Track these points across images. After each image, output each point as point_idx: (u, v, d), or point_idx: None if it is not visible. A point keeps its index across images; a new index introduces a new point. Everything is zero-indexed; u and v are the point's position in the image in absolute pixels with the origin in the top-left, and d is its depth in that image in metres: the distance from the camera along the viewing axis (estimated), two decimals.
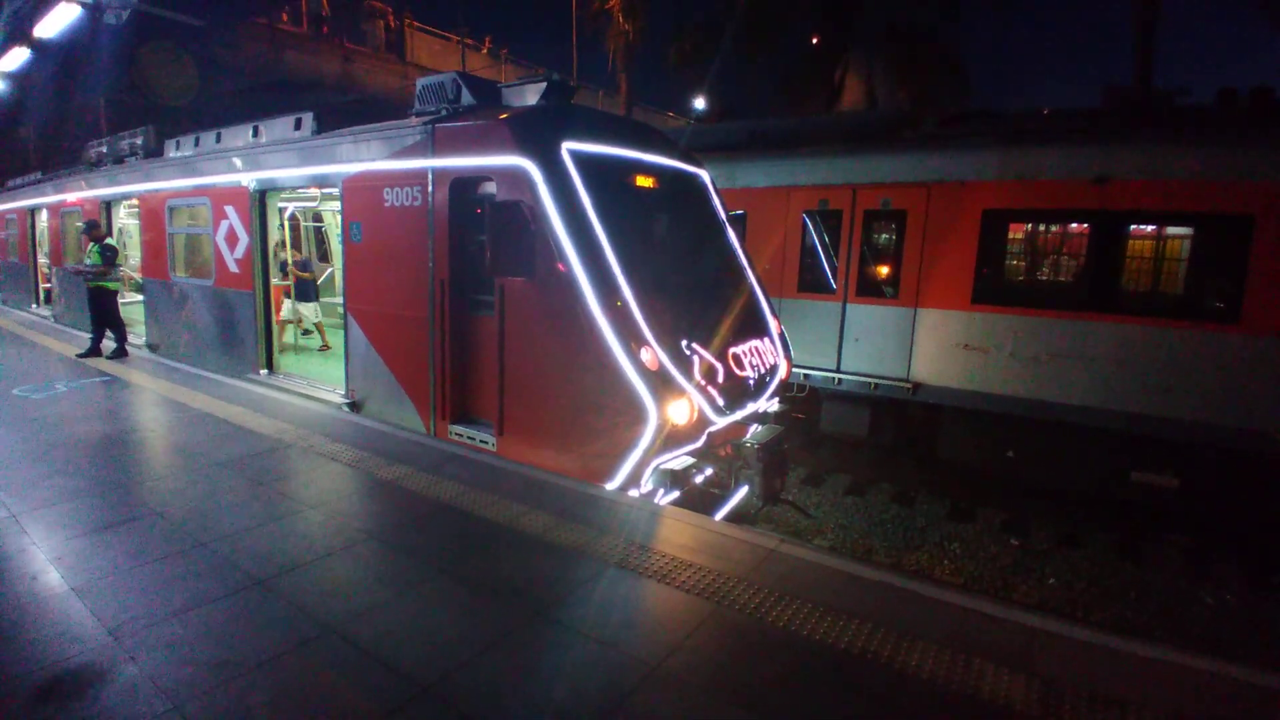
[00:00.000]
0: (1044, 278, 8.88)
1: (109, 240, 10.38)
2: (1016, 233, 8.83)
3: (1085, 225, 8.31)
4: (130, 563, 4.03)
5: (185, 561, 4.07)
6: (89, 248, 10.11)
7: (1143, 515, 8.36)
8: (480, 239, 6.19)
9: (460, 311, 6.64)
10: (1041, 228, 8.76)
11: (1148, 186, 7.77)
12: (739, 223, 10.47)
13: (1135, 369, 7.90)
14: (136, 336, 11.69)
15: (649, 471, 5.61)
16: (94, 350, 10.28)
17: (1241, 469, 7.67)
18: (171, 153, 11.02)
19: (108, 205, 12.62)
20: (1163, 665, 3.23)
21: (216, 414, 7.32)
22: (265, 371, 9.18)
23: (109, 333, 10.37)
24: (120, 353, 10.37)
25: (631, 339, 5.45)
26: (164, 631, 3.34)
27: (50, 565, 3.99)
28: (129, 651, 3.17)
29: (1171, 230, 8.02)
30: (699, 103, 32.60)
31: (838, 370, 9.97)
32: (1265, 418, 7.31)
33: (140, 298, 12.49)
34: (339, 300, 8.06)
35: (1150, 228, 8.12)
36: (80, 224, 11.00)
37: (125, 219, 14.63)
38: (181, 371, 9.55)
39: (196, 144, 10.45)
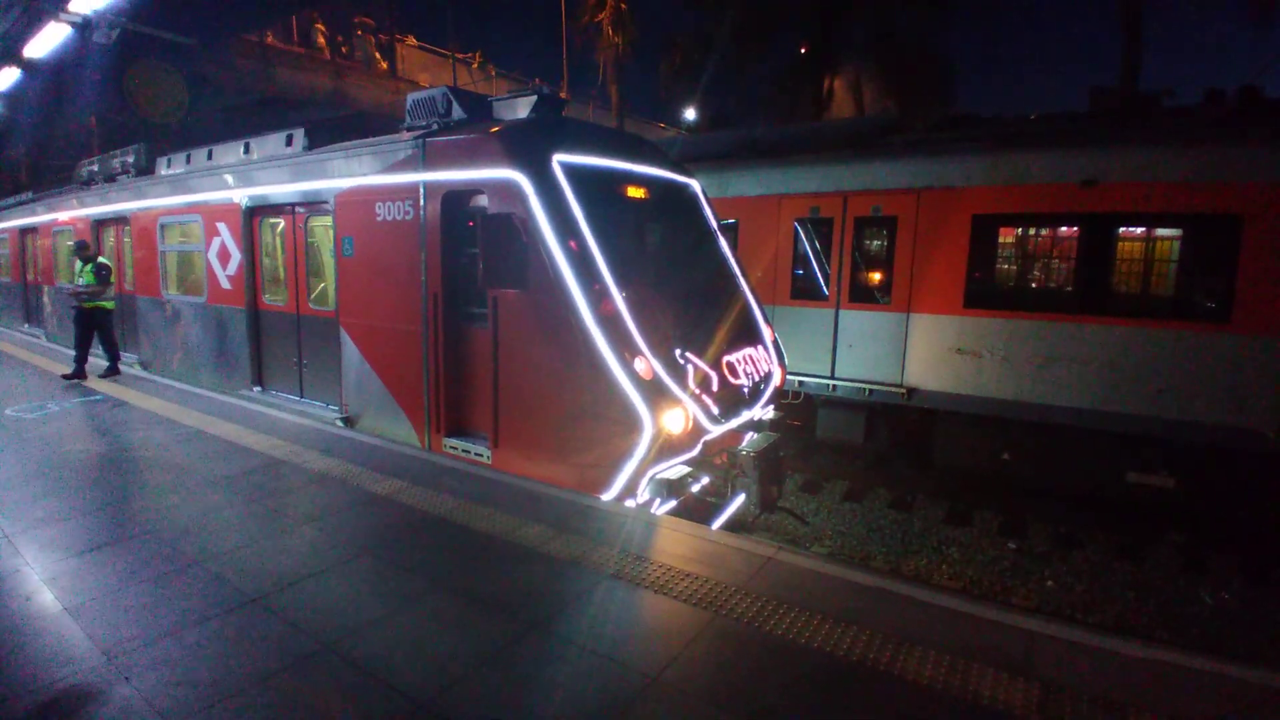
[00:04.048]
0: (1035, 281, 8.92)
1: (101, 259, 10.30)
2: (1007, 237, 8.87)
3: (1075, 228, 8.36)
4: (124, 582, 4.01)
5: (179, 580, 4.04)
6: (81, 268, 9.99)
7: (1140, 516, 8.38)
8: (473, 252, 6.21)
9: (454, 324, 6.64)
10: (1031, 231, 8.81)
11: (1136, 188, 7.82)
12: (731, 231, 10.51)
13: (1128, 370, 7.94)
14: (126, 354, 11.64)
15: (645, 481, 5.60)
16: (79, 373, 9.99)
17: (1237, 468, 7.71)
18: (163, 170, 11.01)
19: (99, 223, 12.60)
20: (1162, 666, 3.24)
21: (209, 431, 7.29)
22: (257, 389, 9.15)
23: (102, 352, 10.28)
24: (113, 371, 10.30)
25: (625, 349, 5.45)
26: (158, 651, 3.32)
27: (44, 586, 3.96)
28: (123, 672, 3.15)
29: (1161, 232, 8.07)
30: (690, 113, 32.79)
31: (832, 377, 9.99)
32: (1259, 416, 7.35)
33: None
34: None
35: (1140, 229, 8.18)
36: (71, 243, 10.91)
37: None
38: (174, 389, 9.51)
39: (188, 161, 10.44)
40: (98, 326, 10.16)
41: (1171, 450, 7.95)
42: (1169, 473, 8.01)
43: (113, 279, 10.46)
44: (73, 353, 10.19)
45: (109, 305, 10.25)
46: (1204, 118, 8.41)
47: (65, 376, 10.02)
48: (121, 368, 10.55)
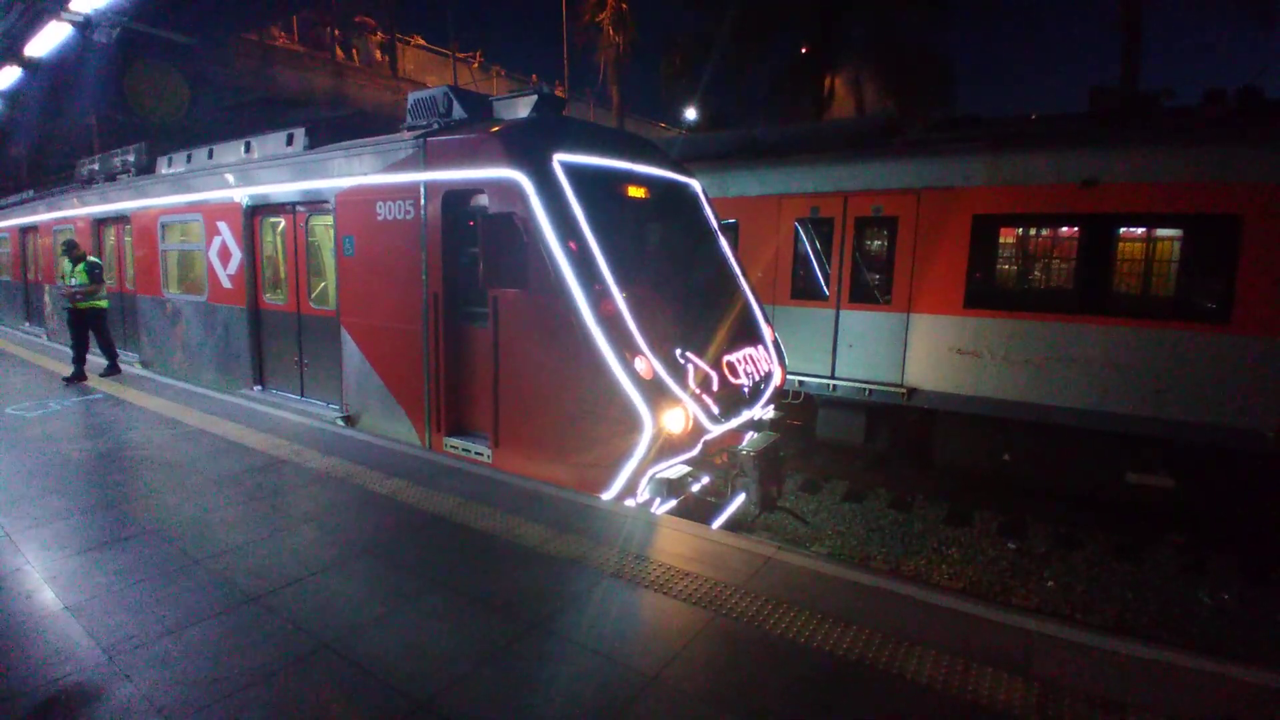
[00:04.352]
0: (1035, 281, 8.92)
1: (92, 258, 10.20)
2: (1007, 237, 8.88)
3: (1075, 229, 8.37)
4: (124, 580, 4.01)
5: (180, 579, 4.05)
6: (72, 268, 9.84)
7: (1140, 516, 8.38)
8: (473, 251, 6.21)
9: (454, 324, 6.65)
10: (1031, 232, 8.81)
11: (1136, 189, 7.83)
12: (731, 231, 10.52)
13: (1128, 371, 7.94)
14: (127, 353, 11.64)
15: (645, 481, 5.60)
16: (79, 374, 9.89)
17: (1237, 468, 7.71)
18: (164, 169, 11.02)
19: (100, 222, 12.60)
20: (1161, 666, 3.24)
21: (210, 430, 7.29)
22: (258, 388, 9.16)
23: (100, 351, 10.25)
24: (113, 370, 10.28)
25: (625, 348, 5.46)
26: (158, 649, 3.32)
27: (45, 584, 3.96)
28: (124, 670, 3.15)
29: (1161, 232, 8.08)
30: (690, 113, 32.81)
31: (832, 376, 9.99)
32: (1259, 416, 7.35)
33: None
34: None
35: (1140, 230, 8.18)
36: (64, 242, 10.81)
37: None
38: (175, 388, 9.51)
39: (189, 160, 10.45)
40: (93, 327, 10.08)
41: (1171, 451, 7.96)
42: (1169, 473, 8.01)
43: (105, 277, 10.39)
44: (71, 353, 10.14)
45: (103, 304, 10.16)
46: (1204, 118, 8.40)
47: (66, 380, 9.87)
48: (122, 366, 10.53)
